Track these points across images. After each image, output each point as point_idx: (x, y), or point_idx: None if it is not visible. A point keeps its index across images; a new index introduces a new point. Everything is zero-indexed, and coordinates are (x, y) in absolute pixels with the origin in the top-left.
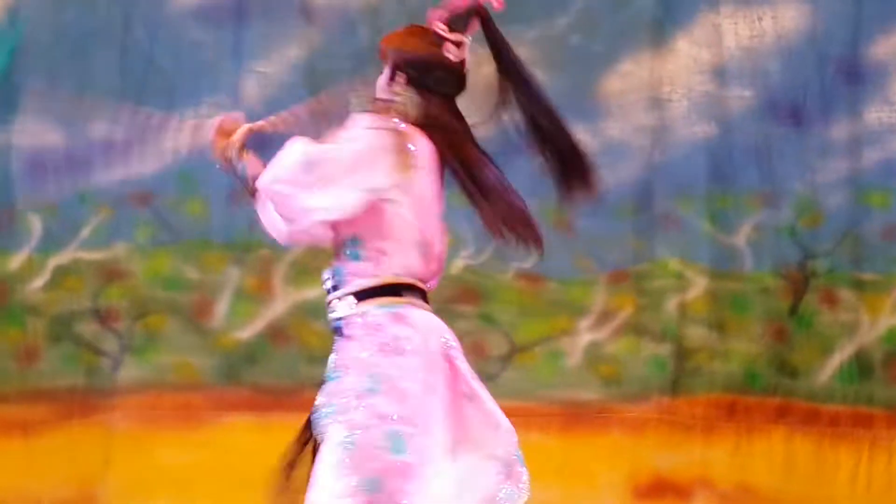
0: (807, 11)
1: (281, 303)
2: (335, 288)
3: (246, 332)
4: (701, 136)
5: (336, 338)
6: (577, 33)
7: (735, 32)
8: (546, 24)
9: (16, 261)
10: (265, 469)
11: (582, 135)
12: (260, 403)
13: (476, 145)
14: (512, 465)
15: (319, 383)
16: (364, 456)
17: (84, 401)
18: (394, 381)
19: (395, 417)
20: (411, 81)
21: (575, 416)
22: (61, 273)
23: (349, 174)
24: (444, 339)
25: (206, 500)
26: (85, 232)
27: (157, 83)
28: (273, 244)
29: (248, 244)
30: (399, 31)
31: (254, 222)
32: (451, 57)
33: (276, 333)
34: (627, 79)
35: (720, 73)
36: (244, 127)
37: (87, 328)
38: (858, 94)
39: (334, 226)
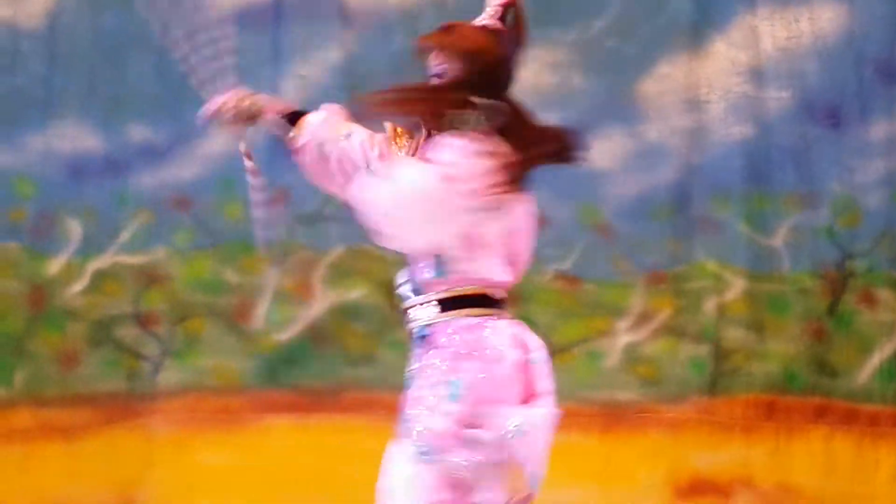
0: (844, 12)
1: (320, 304)
2: (415, 292)
3: (285, 335)
4: (738, 138)
5: (416, 343)
6: (614, 36)
7: (772, 34)
8: (583, 28)
9: (55, 265)
10: (305, 470)
11: (620, 137)
12: (300, 405)
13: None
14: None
15: (359, 384)
16: (441, 464)
17: (125, 405)
18: (475, 389)
19: (473, 425)
20: (484, 87)
21: (614, 417)
22: (101, 277)
23: (459, 214)
24: (524, 350)
25: (247, 502)
26: (124, 236)
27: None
28: (312, 246)
29: (288, 246)
30: (456, 33)
31: (292, 225)
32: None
33: (315, 335)
34: (664, 81)
35: (757, 75)
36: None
37: (128, 332)
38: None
39: None
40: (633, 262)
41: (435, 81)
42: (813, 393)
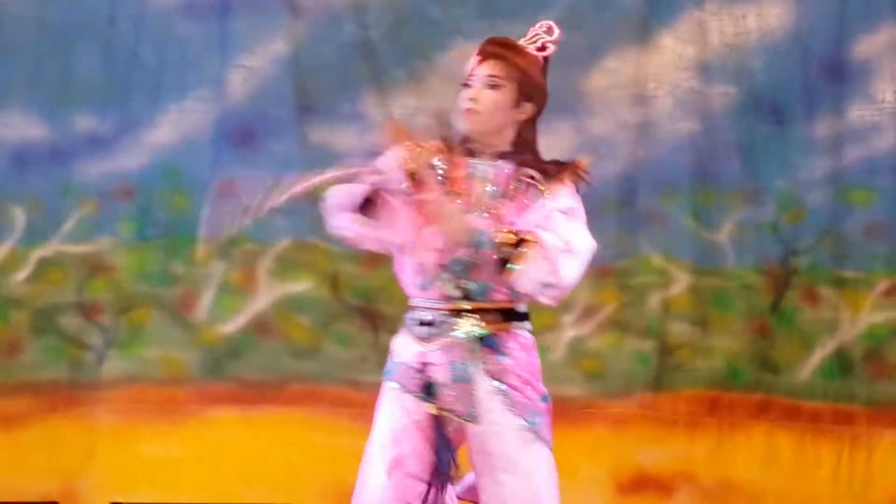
0: (791, 9)
1: (265, 297)
2: (469, 295)
3: (230, 327)
4: (685, 133)
5: (483, 347)
6: (562, 29)
7: (720, 30)
8: (531, 20)
9: None
10: (248, 461)
11: (567, 131)
12: (244, 397)
13: None
14: None
15: (302, 377)
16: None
17: (67, 394)
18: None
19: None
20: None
21: (558, 412)
22: (45, 266)
23: None
24: None
25: (190, 494)
26: (69, 225)
27: (142, 78)
28: (258, 238)
29: (233, 238)
30: (523, 56)
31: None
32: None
33: (260, 327)
34: (612, 75)
35: (704, 70)
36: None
37: (71, 321)
38: (841, 92)
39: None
40: None
41: (482, 89)
42: (755, 389)
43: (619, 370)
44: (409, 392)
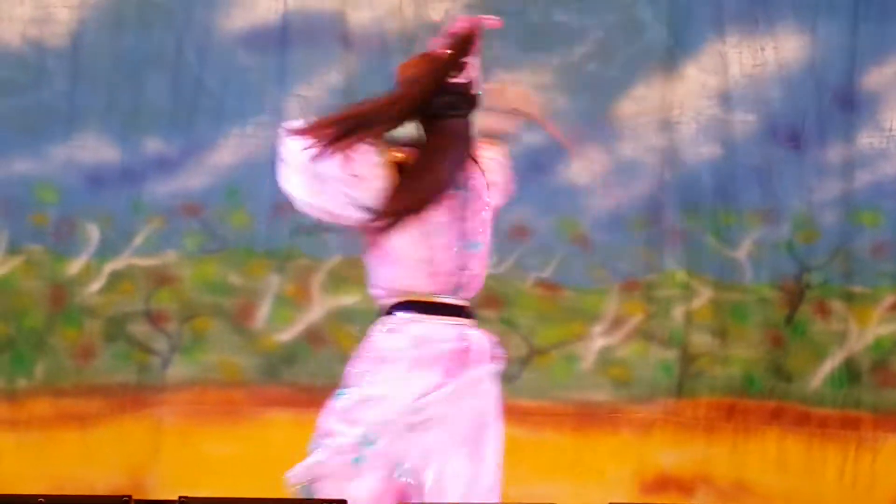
0: (806, 43)
1: (318, 308)
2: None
3: (285, 335)
4: (707, 157)
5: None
6: (593, 61)
7: (740, 61)
8: (565, 52)
9: (75, 266)
10: (301, 461)
11: (598, 154)
12: (298, 400)
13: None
14: None
15: None
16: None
17: (135, 396)
18: None
19: None
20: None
21: (587, 416)
22: (116, 278)
23: None
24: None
25: (247, 490)
26: (138, 240)
27: (205, 104)
28: (311, 254)
29: (289, 254)
30: (408, 62)
31: (294, 233)
32: (458, 79)
33: (313, 336)
34: (640, 103)
35: (726, 99)
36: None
37: (139, 329)
38: (853, 120)
39: None
40: (609, 271)
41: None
42: (770, 396)
43: (644, 377)
44: None
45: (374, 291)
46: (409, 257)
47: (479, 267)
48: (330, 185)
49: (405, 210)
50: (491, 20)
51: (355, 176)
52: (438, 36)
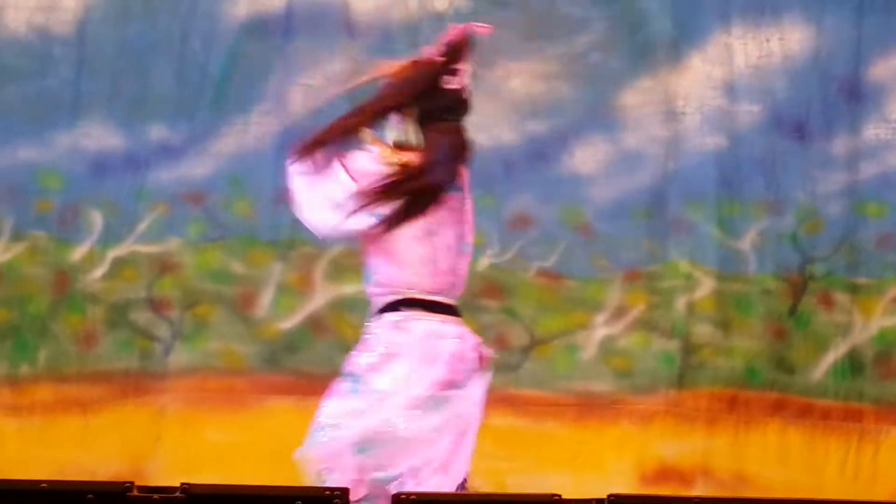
0: (812, 34)
1: (320, 297)
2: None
3: (287, 323)
4: (711, 148)
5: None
6: (598, 51)
7: (745, 52)
8: (570, 43)
9: (78, 253)
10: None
11: (602, 144)
12: (299, 388)
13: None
14: None
15: None
16: None
17: (137, 382)
18: None
19: None
20: (416, 114)
21: (588, 406)
22: (119, 265)
23: None
24: None
25: (247, 476)
26: (141, 227)
27: (210, 92)
28: (314, 243)
29: (292, 242)
30: (401, 67)
31: (297, 221)
32: (451, 85)
33: (314, 325)
34: (645, 93)
35: (730, 90)
36: None
37: (142, 316)
38: (858, 111)
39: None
40: (611, 261)
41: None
42: (772, 388)
43: (646, 368)
44: None
45: (372, 289)
46: (413, 256)
47: (466, 268)
48: (337, 200)
49: (410, 211)
50: (482, 27)
51: (358, 185)
52: (438, 38)
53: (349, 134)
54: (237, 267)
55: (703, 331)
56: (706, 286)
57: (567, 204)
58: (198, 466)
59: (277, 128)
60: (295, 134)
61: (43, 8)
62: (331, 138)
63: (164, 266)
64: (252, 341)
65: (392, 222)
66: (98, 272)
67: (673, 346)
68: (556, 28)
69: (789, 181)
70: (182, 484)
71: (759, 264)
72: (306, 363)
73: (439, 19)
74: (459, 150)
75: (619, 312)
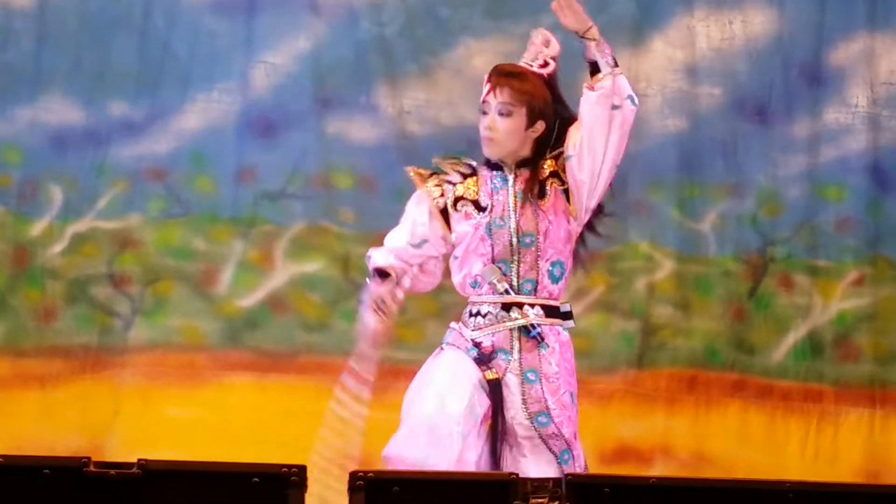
0: (774, 18)
1: (281, 275)
2: (516, 291)
3: (248, 301)
4: (673, 130)
5: (524, 338)
6: (560, 31)
7: (707, 35)
8: (533, 20)
9: (37, 228)
10: (261, 425)
11: None
12: (259, 365)
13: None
14: None
15: (312, 349)
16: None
17: (97, 358)
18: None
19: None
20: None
21: None
22: (79, 240)
23: None
24: None
25: (206, 453)
26: (102, 203)
27: (172, 68)
28: (275, 221)
29: (253, 220)
30: (529, 83)
31: (258, 199)
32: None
33: (275, 302)
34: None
35: (692, 72)
36: None
37: (102, 291)
38: (819, 95)
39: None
40: None
41: (496, 117)
42: (732, 369)
43: (605, 349)
44: (468, 356)
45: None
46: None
47: None
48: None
49: None
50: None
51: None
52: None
53: None
54: (198, 244)
55: (663, 312)
56: (666, 268)
57: None
58: (156, 442)
59: (240, 105)
60: (256, 111)
61: None
62: None
63: (124, 242)
64: (212, 318)
65: None
66: (57, 247)
67: (633, 326)
68: (519, 5)
69: (750, 164)
70: (139, 460)
71: (719, 246)
72: (266, 341)
73: None
74: None
75: (579, 293)
